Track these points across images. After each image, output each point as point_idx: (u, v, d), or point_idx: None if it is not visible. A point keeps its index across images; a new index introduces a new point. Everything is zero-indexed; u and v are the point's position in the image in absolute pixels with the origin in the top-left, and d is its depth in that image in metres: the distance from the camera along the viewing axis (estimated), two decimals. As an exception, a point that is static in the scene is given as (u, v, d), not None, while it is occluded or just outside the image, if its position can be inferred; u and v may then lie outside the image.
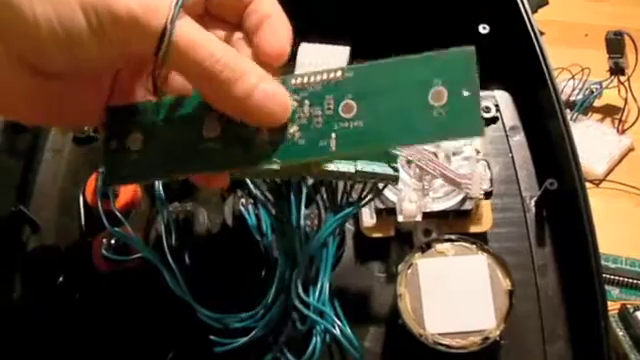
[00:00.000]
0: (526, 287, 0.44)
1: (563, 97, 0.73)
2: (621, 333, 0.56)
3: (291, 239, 0.39)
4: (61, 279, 0.44)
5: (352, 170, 0.33)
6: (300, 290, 0.38)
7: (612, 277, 0.62)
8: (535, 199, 0.47)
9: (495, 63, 0.50)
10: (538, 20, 0.82)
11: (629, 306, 0.57)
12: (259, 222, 0.42)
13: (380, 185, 0.38)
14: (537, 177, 0.48)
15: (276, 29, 0.31)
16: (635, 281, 0.62)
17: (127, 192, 0.45)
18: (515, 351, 0.42)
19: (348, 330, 0.38)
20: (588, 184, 0.69)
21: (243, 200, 0.43)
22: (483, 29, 0.50)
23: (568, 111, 0.74)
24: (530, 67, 0.47)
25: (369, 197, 0.38)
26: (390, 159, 0.34)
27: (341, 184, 0.38)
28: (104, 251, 0.43)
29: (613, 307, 0.58)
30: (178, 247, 0.41)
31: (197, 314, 0.39)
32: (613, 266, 0.63)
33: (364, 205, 0.39)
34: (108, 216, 0.41)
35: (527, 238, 0.46)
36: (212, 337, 0.39)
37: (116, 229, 0.41)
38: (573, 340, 0.43)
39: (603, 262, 0.62)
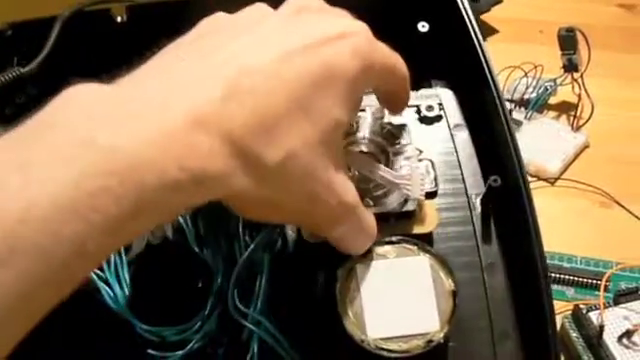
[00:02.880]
0: (474, 287, 0.44)
1: (517, 95, 0.73)
2: (574, 334, 0.56)
3: (229, 249, 0.39)
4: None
5: None
6: (237, 300, 0.38)
7: (567, 277, 0.62)
8: (480, 197, 0.46)
9: (437, 61, 0.50)
10: (492, 18, 0.84)
11: (582, 306, 0.56)
12: (198, 234, 0.41)
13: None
14: (482, 175, 0.47)
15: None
16: (590, 281, 0.61)
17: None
18: (464, 353, 0.42)
19: (285, 339, 0.38)
20: (543, 183, 0.69)
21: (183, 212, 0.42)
22: (422, 27, 0.49)
23: (522, 109, 0.74)
24: (471, 65, 0.47)
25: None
26: None
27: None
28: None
29: (567, 308, 0.58)
30: (116, 262, 0.41)
31: (135, 329, 0.39)
32: (568, 266, 0.62)
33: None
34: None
35: (474, 237, 0.45)
36: (150, 351, 0.39)
37: None
38: (523, 339, 0.42)
39: (557, 262, 0.62)
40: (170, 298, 0.41)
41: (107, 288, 0.40)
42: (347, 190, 0.34)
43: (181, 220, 0.42)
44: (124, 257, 0.41)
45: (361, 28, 0.34)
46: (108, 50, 0.50)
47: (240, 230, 0.40)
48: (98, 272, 0.40)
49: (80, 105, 0.26)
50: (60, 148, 0.24)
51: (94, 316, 0.40)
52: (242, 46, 0.30)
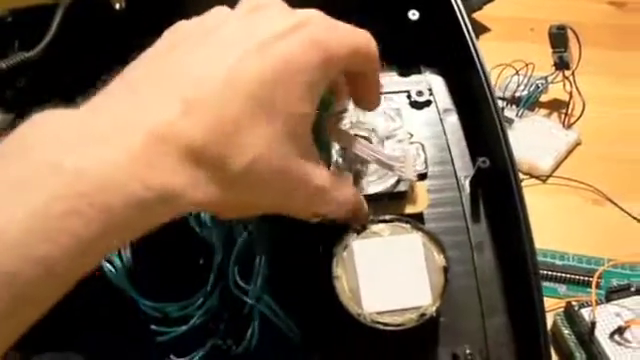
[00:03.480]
0: (464, 264, 0.45)
1: (508, 93, 0.74)
2: (567, 331, 0.56)
3: (228, 227, 0.40)
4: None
5: None
6: (237, 277, 0.39)
7: (559, 274, 0.62)
8: (469, 178, 0.48)
9: (427, 48, 0.52)
10: (484, 16, 0.85)
11: (574, 303, 0.56)
12: (198, 212, 0.42)
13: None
14: (471, 157, 0.49)
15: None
16: (582, 278, 0.61)
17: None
18: (455, 327, 0.43)
19: (285, 314, 0.39)
20: (535, 180, 0.70)
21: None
22: (412, 15, 0.51)
23: (514, 107, 0.74)
24: (460, 51, 0.48)
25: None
26: (322, 146, 0.36)
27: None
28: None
29: (559, 305, 0.58)
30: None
31: (138, 305, 0.40)
32: (560, 263, 0.63)
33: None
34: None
35: (463, 217, 0.47)
36: (153, 327, 0.40)
37: None
38: (511, 313, 0.44)
39: (550, 259, 0.62)
40: (171, 275, 0.42)
41: (108, 265, 0.41)
42: (318, 175, 0.34)
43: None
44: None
45: (317, 16, 0.33)
46: (106, 37, 0.51)
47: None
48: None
49: (48, 130, 0.26)
50: (29, 172, 0.25)
51: (97, 293, 0.41)
52: (199, 58, 0.30)
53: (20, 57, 0.46)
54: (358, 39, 0.34)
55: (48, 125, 0.27)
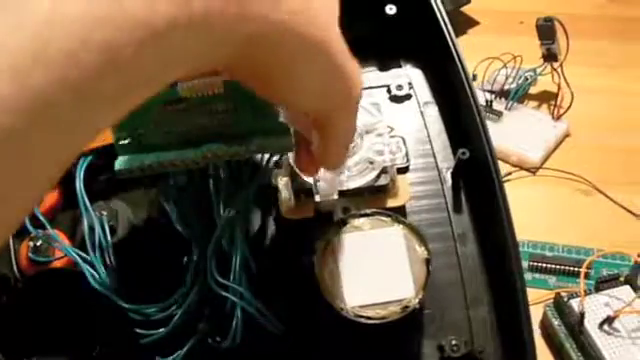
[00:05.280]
0: (447, 256, 0.45)
1: (497, 86, 0.74)
2: (556, 322, 0.56)
3: (206, 223, 0.41)
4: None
5: (244, 148, 0.34)
6: (215, 273, 0.39)
7: (549, 266, 0.62)
8: (450, 170, 0.48)
9: (405, 42, 0.52)
10: (473, 10, 0.85)
11: (563, 294, 0.57)
12: (181, 213, 0.42)
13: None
14: (452, 149, 0.49)
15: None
16: (571, 268, 0.62)
17: (51, 195, 0.46)
18: (439, 318, 0.44)
19: (266, 310, 0.39)
20: (525, 173, 0.70)
21: (165, 193, 0.44)
22: (389, 10, 0.51)
23: (503, 100, 0.74)
24: (438, 43, 0.48)
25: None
26: (281, 129, 0.35)
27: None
28: (31, 254, 0.44)
29: (549, 297, 0.59)
30: (102, 245, 0.42)
31: (121, 308, 0.40)
32: (550, 254, 0.63)
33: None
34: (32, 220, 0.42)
35: (445, 209, 0.47)
36: (136, 329, 0.40)
37: (40, 232, 0.43)
38: (496, 304, 0.44)
39: (539, 251, 0.63)
40: (154, 278, 0.42)
41: (92, 270, 0.41)
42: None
43: (163, 202, 0.43)
44: (109, 239, 0.42)
45: None
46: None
47: (220, 206, 0.41)
48: (83, 255, 0.41)
49: None
50: None
51: (81, 299, 0.41)
52: None
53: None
54: None
55: None
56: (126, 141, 0.34)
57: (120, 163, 0.35)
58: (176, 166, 0.34)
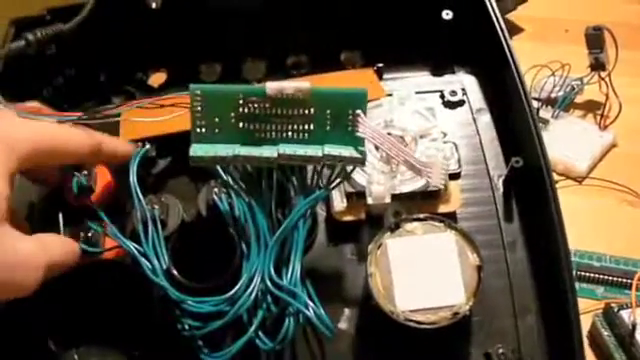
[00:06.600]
0: (497, 264, 0.45)
1: (544, 94, 0.73)
2: (606, 333, 0.56)
3: (263, 224, 0.40)
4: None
5: (319, 154, 0.34)
6: (272, 273, 0.39)
7: (596, 276, 0.61)
8: (502, 178, 0.48)
9: (460, 48, 0.52)
10: (518, 17, 0.84)
11: (613, 305, 0.56)
12: (232, 210, 0.43)
13: (349, 168, 0.39)
14: (504, 157, 0.49)
15: None
16: (620, 279, 0.61)
17: (102, 187, 0.46)
18: (487, 326, 0.44)
19: (321, 311, 0.39)
20: (571, 182, 0.69)
21: (216, 190, 0.44)
22: (446, 15, 0.50)
23: (549, 108, 0.74)
24: (493, 50, 0.48)
25: (338, 180, 0.39)
26: (356, 143, 0.36)
27: (310, 168, 0.39)
28: (82, 245, 0.44)
29: (597, 307, 0.58)
30: (154, 237, 0.42)
31: (172, 300, 0.40)
32: (597, 264, 0.62)
33: (333, 188, 0.40)
34: (85, 211, 0.43)
35: (496, 216, 0.47)
36: (189, 322, 0.40)
37: (93, 223, 0.44)
38: (544, 313, 0.44)
39: (587, 261, 0.62)
40: (205, 272, 0.42)
41: (146, 261, 0.41)
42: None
43: (215, 198, 0.43)
44: (161, 232, 0.42)
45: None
46: (142, 36, 0.51)
47: (273, 208, 0.41)
48: (137, 247, 0.41)
49: None
50: None
51: (134, 291, 0.42)
52: None
53: (56, 28, 0.46)
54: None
55: None
56: (204, 130, 0.35)
57: (195, 150, 0.35)
58: (249, 162, 0.35)
